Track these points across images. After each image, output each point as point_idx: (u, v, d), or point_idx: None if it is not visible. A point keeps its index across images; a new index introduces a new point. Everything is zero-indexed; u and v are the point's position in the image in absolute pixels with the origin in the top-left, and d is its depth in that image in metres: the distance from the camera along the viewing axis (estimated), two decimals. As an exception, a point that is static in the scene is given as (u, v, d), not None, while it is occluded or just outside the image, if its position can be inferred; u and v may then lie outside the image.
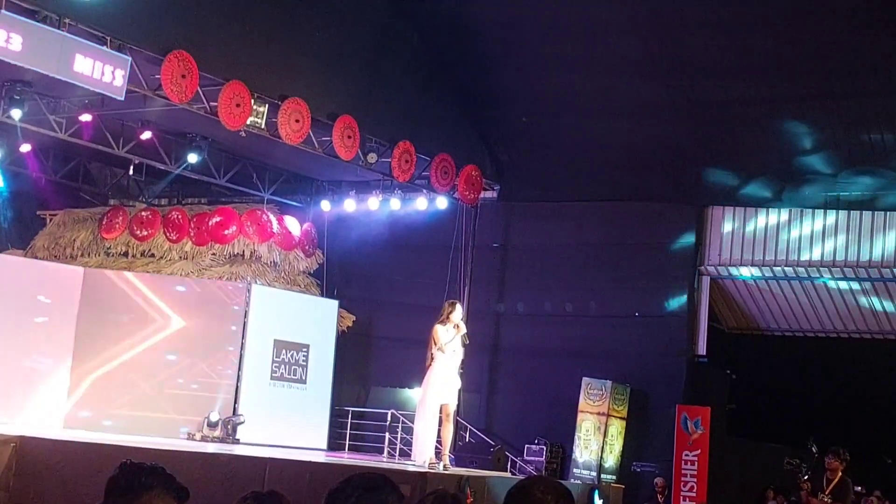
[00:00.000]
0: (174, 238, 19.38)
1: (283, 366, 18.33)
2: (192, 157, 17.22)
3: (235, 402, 17.43)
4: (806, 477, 12.10)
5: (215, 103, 14.50)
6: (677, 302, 18.81)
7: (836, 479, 11.96)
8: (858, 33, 15.34)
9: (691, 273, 18.91)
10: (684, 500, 17.23)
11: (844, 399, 23.38)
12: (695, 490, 17.34)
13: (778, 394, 22.56)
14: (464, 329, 12.34)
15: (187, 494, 3.22)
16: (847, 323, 19.51)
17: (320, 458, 14.89)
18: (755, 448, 20.24)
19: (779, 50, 16.00)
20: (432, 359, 12.26)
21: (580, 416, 18.13)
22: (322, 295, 20.01)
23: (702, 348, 18.77)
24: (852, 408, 23.32)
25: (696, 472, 17.48)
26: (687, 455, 17.56)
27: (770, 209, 18.65)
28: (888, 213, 17.87)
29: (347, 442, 19.19)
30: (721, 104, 17.14)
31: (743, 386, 20.59)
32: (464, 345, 12.43)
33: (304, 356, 18.65)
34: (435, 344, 12.18)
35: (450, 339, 12.14)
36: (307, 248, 20.07)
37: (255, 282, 18.69)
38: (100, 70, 13.02)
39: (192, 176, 18.35)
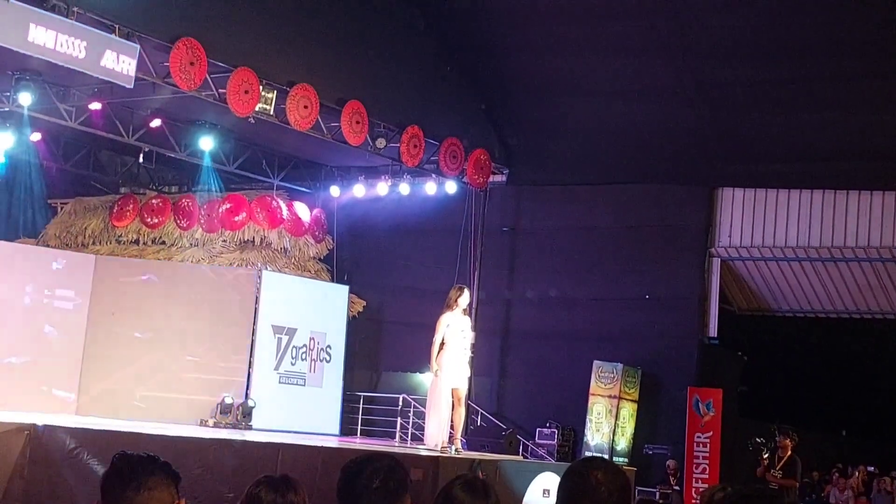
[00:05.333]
0: (185, 225, 19.43)
1: (293, 351, 18.36)
2: (207, 143, 17.20)
3: (247, 387, 17.49)
4: (766, 455, 13.75)
5: (224, 90, 14.50)
6: (688, 284, 18.78)
7: (786, 457, 13.68)
8: (871, 13, 15.25)
9: (702, 255, 18.88)
10: (697, 481, 17.24)
11: (858, 379, 23.37)
12: (707, 472, 17.36)
13: (790, 375, 22.55)
14: (468, 322, 12.53)
15: (179, 478, 3.24)
16: (859, 303, 19.46)
17: (333, 443, 14.95)
18: (767, 429, 20.23)
19: (788, 31, 15.93)
20: (441, 346, 12.29)
21: (591, 399, 18.15)
22: (332, 280, 20.03)
23: (713, 330, 18.74)
24: (866, 388, 23.31)
25: (708, 455, 17.49)
26: (699, 437, 17.57)
27: (780, 190, 18.60)
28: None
29: (359, 427, 19.23)
30: (730, 85, 17.07)
31: (754, 367, 20.58)
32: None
33: (314, 341, 18.68)
34: (436, 332, 12.25)
35: (449, 333, 12.26)
36: (317, 233, 20.09)
37: (266, 268, 18.72)
38: (109, 58, 13.04)
39: (201, 163, 18.36)
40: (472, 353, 17.77)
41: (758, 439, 14.14)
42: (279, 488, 3.53)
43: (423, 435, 13.65)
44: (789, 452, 13.66)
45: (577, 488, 3.16)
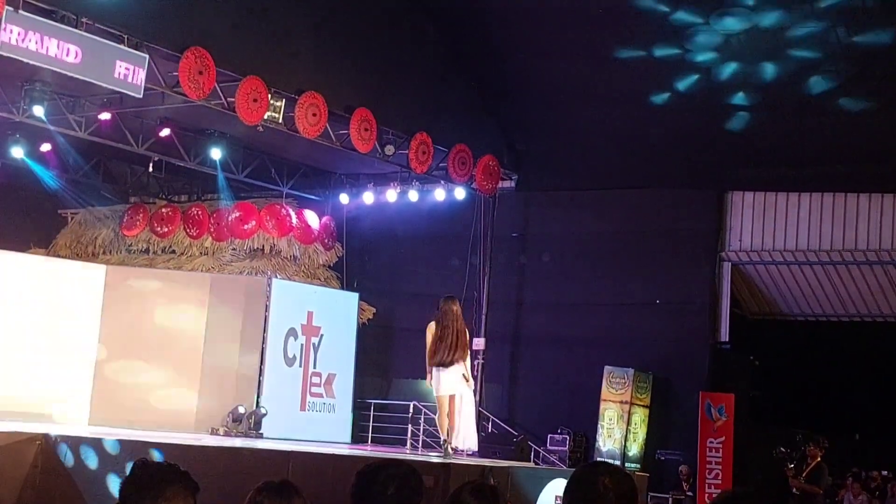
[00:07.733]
0: (194, 234, 19.46)
1: (303, 358, 18.35)
2: (217, 153, 17.23)
3: (258, 395, 17.49)
4: (792, 465, 13.82)
5: (233, 99, 14.52)
6: (699, 289, 18.73)
7: (813, 465, 13.69)
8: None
9: (712, 259, 18.84)
10: (710, 487, 17.17)
11: (870, 383, 23.26)
12: (720, 477, 17.29)
13: (802, 379, 22.46)
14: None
15: (198, 489, 3.23)
16: (871, 306, 19.39)
17: (343, 451, 14.93)
18: (780, 434, 20.16)
19: (796, 31, 15.88)
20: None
21: (603, 405, 18.10)
22: (342, 288, 20.04)
23: (724, 335, 18.69)
24: (879, 391, 23.18)
25: (721, 460, 17.42)
26: (711, 442, 17.50)
27: (790, 193, 18.55)
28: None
29: (370, 434, 19.23)
30: (738, 87, 17.02)
31: (766, 372, 20.50)
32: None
33: (325, 349, 18.69)
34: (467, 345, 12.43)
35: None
36: (326, 241, 20.10)
37: (276, 276, 18.73)
38: (119, 69, 13.07)
39: (210, 172, 18.40)
40: (483, 359, 17.80)
41: (783, 449, 14.17)
42: (282, 493, 3.54)
43: (435, 442, 13.59)
44: (817, 460, 13.70)
45: (584, 494, 3.14)
